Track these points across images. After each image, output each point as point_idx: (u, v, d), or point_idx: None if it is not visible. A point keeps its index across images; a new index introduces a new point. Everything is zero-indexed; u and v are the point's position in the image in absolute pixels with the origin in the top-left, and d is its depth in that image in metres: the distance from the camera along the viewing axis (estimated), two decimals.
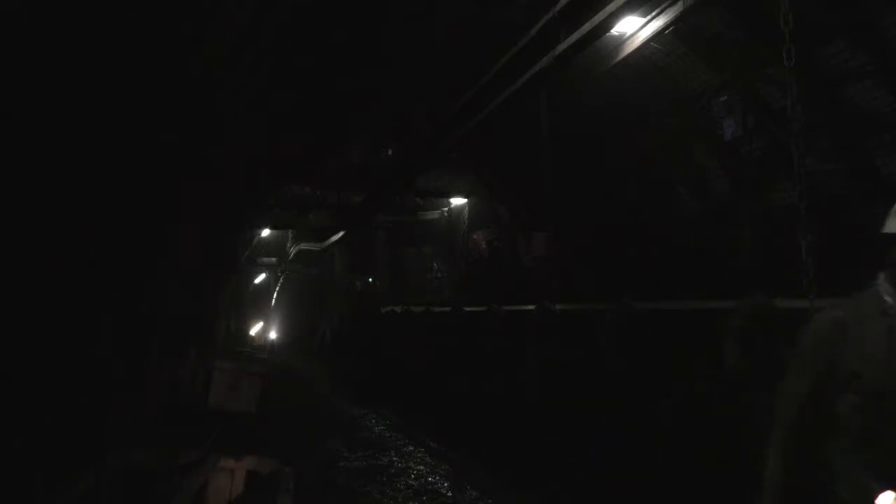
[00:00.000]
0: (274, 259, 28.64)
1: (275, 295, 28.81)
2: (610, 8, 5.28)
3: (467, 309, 12.78)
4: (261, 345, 22.71)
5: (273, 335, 27.97)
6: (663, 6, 7.97)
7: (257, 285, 30.49)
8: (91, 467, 4.99)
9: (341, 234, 17.53)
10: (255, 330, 27.59)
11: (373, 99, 13.24)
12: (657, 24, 8.17)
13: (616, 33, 8.96)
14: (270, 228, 23.48)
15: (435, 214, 22.70)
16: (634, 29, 8.76)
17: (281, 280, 29.22)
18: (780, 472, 1.94)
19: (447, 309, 13.98)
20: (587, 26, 5.51)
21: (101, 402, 5.51)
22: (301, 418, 10.76)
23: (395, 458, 8.08)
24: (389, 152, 19.49)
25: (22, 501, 4.30)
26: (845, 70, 9.60)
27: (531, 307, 9.57)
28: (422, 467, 7.70)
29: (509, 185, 17.46)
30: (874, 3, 8.74)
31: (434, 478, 7.26)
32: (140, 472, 5.66)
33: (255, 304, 28.71)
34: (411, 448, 8.58)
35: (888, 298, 1.89)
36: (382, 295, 24.25)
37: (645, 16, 8.41)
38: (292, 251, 25.79)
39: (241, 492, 6.15)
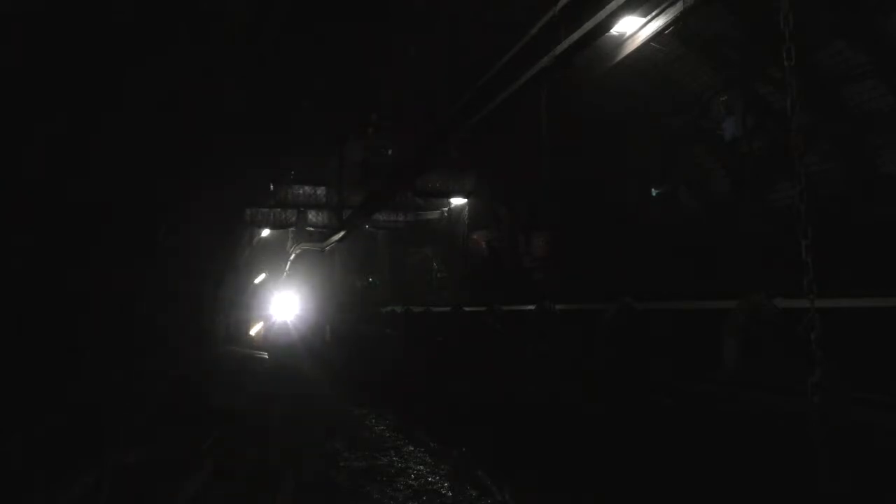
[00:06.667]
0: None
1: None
2: (610, 7, 5.29)
3: (467, 309, 12.77)
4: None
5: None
6: (663, 6, 7.98)
7: (257, 284, 30.51)
8: (91, 467, 4.99)
9: (341, 234, 17.52)
10: (255, 330, 27.61)
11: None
12: (657, 24, 8.19)
13: (616, 33, 8.98)
14: (270, 228, 23.49)
15: (435, 214, 22.70)
16: (634, 29, 8.78)
17: (286, 271, 29.18)
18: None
19: (447, 309, 13.97)
20: (588, 25, 5.52)
21: (101, 402, 5.51)
22: (301, 418, 10.75)
23: (394, 458, 8.08)
24: (389, 152, 19.51)
25: (22, 501, 4.30)
26: (845, 70, 9.61)
27: (531, 307, 9.57)
28: (422, 467, 7.69)
29: (509, 185, 17.47)
30: (874, 3, 8.74)
31: (434, 478, 7.25)
32: (140, 472, 5.66)
33: (256, 302, 28.74)
34: (411, 448, 8.57)
35: None
36: (382, 295, 24.27)
37: (645, 16, 8.43)
38: (292, 251, 25.79)
39: (240, 491, 6.16)
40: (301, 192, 20.76)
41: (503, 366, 9.96)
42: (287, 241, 26.62)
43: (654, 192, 14.19)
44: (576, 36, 5.65)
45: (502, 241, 18.72)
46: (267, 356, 20.88)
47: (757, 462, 4.99)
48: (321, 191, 20.89)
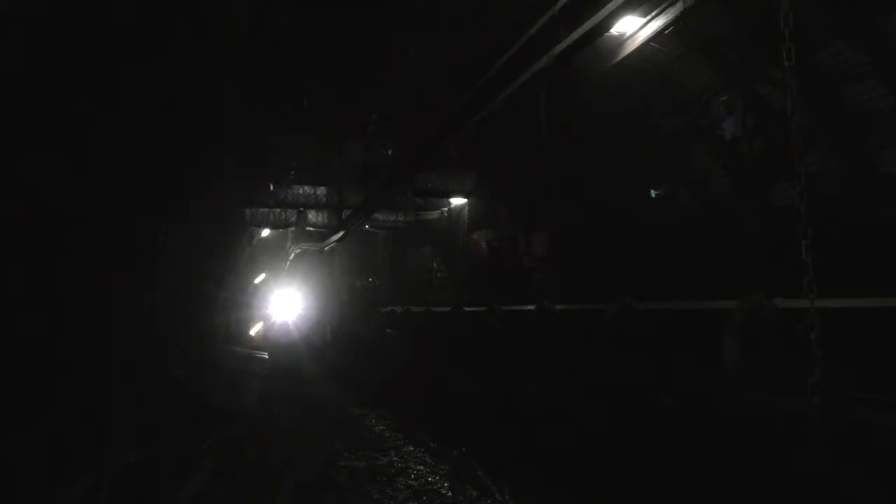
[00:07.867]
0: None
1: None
2: (610, 7, 5.28)
3: (467, 309, 12.78)
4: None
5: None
6: (663, 6, 7.97)
7: (257, 284, 30.49)
8: (91, 467, 4.99)
9: (341, 234, 17.52)
10: (255, 330, 27.56)
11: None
12: (657, 24, 8.18)
13: (616, 33, 8.96)
14: (270, 228, 23.48)
15: (435, 214, 22.69)
16: (634, 29, 8.77)
17: (286, 271, 29.15)
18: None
19: (447, 309, 13.98)
20: (587, 25, 5.51)
21: (101, 402, 5.51)
22: (301, 418, 10.76)
23: (394, 458, 8.08)
24: (389, 152, 19.51)
25: (22, 501, 4.30)
26: (845, 70, 9.60)
27: (531, 307, 9.57)
28: (421, 467, 7.70)
29: (509, 185, 17.47)
30: (874, 3, 8.74)
31: (434, 478, 7.26)
32: (140, 472, 5.66)
33: (256, 302, 28.71)
34: (411, 448, 8.58)
35: None
36: (382, 295, 24.28)
37: (645, 16, 8.42)
38: (292, 251, 25.76)
39: (240, 491, 6.16)
40: (301, 192, 20.76)
41: (503, 366, 9.96)
42: (287, 240, 26.59)
43: (653, 192, 14.21)
44: (575, 35, 5.65)
45: (502, 241, 18.71)
46: (267, 356, 20.84)
47: (757, 461, 4.99)
48: (321, 191, 20.89)
